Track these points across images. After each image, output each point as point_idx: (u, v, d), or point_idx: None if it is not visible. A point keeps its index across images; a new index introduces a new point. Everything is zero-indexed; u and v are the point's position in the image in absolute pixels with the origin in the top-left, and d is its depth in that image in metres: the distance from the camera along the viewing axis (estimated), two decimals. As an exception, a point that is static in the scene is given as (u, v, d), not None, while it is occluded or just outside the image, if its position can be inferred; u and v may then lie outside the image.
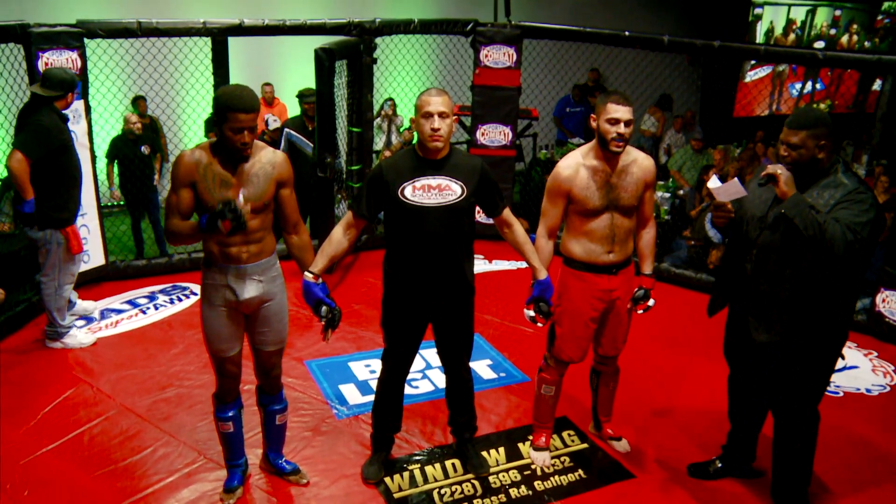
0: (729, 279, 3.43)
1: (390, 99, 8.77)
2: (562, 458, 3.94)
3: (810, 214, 2.95)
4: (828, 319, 3.17)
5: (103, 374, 4.67)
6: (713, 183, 3.23)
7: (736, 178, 3.24)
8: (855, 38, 13.83)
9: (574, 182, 3.45)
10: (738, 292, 3.37)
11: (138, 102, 7.78)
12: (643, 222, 3.67)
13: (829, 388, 4.71)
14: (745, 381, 3.57)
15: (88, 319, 5.38)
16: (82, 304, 5.44)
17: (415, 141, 3.45)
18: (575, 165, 3.48)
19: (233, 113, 2.95)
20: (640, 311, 3.70)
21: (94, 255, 5.91)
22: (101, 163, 6.25)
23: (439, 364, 3.72)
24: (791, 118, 3.12)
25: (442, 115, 3.19)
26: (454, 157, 3.32)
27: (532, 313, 3.51)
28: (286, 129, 6.67)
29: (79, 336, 5.00)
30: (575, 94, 9.53)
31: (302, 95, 6.76)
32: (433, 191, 3.26)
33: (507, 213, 3.47)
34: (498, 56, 6.98)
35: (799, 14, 13.16)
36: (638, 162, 3.51)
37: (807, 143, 3.06)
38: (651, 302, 3.69)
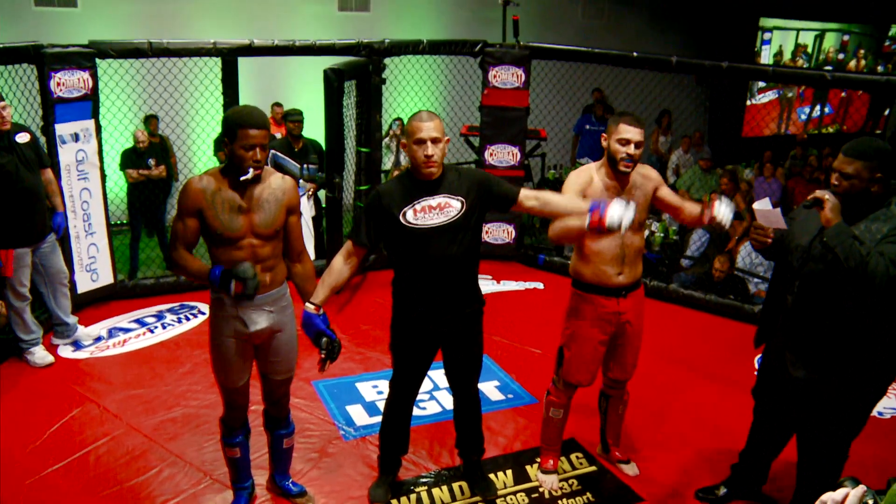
0: (773, 311, 3.31)
1: (399, 119, 8.80)
2: (570, 481, 3.91)
3: (853, 245, 2.82)
4: (868, 358, 3.02)
5: (110, 393, 4.66)
6: (760, 204, 3.15)
7: (779, 209, 3.15)
8: (863, 62, 13.88)
9: (588, 189, 3.45)
10: (779, 325, 3.25)
11: (150, 121, 7.84)
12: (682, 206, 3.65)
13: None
14: (774, 416, 3.45)
15: (97, 339, 5.37)
16: (83, 331, 5.38)
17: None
18: (588, 176, 3.49)
19: (243, 129, 2.94)
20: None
21: (102, 274, 5.92)
22: (111, 180, 6.28)
23: (447, 385, 3.70)
24: (848, 146, 2.97)
25: (434, 140, 3.16)
26: (449, 175, 3.28)
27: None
28: (272, 151, 6.68)
29: (38, 353, 4.98)
30: (598, 109, 9.32)
31: (287, 115, 6.87)
32: (434, 210, 3.22)
33: (523, 192, 3.36)
34: (506, 77, 7.00)
35: (807, 39, 13.21)
36: (643, 174, 3.52)
37: (861, 174, 2.91)
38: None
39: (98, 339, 5.38)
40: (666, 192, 3.61)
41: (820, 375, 3.08)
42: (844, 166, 2.94)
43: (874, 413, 4.72)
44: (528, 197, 3.35)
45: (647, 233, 6.75)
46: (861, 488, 1.47)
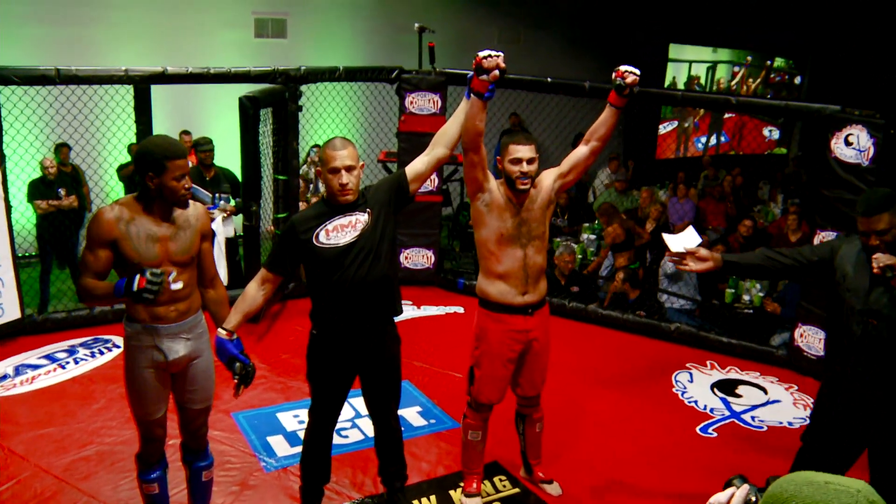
0: (837, 371, 3.27)
1: (317, 146, 8.78)
2: (493, 504, 3.93)
3: None
4: None
5: (17, 433, 4.46)
6: (668, 235, 3.26)
7: (691, 227, 3.23)
8: (752, 92, 14.83)
9: (494, 194, 3.49)
10: (853, 385, 3.19)
11: (60, 150, 7.61)
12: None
13: (753, 423, 4.86)
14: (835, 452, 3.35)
15: (2, 377, 5.15)
16: None
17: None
18: (496, 186, 3.53)
19: (172, 161, 2.96)
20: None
21: (8, 309, 5.69)
22: (17, 212, 6.07)
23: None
24: (864, 207, 3.05)
25: (349, 168, 3.20)
26: (362, 196, 3.33)
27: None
28: None
29: None
30: None
31: (197, 144, 6.75)
32: (347, 228, 3.24)
33: (408, 170, 3.44)
34: (423, 103, 7.06)
35: (699, 71, 13.93)
36: (536, 186, 3.55)
37: (893, 222, 3.01)
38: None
39: (3, 377, 5.16)
40: (565, 168, 3.65)
41: None
42: (875, 225, 3.02)
43: (785, 423, 4.92)
44: (414, 169, 3.44)
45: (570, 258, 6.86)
46: (745, 487, 1.52)
